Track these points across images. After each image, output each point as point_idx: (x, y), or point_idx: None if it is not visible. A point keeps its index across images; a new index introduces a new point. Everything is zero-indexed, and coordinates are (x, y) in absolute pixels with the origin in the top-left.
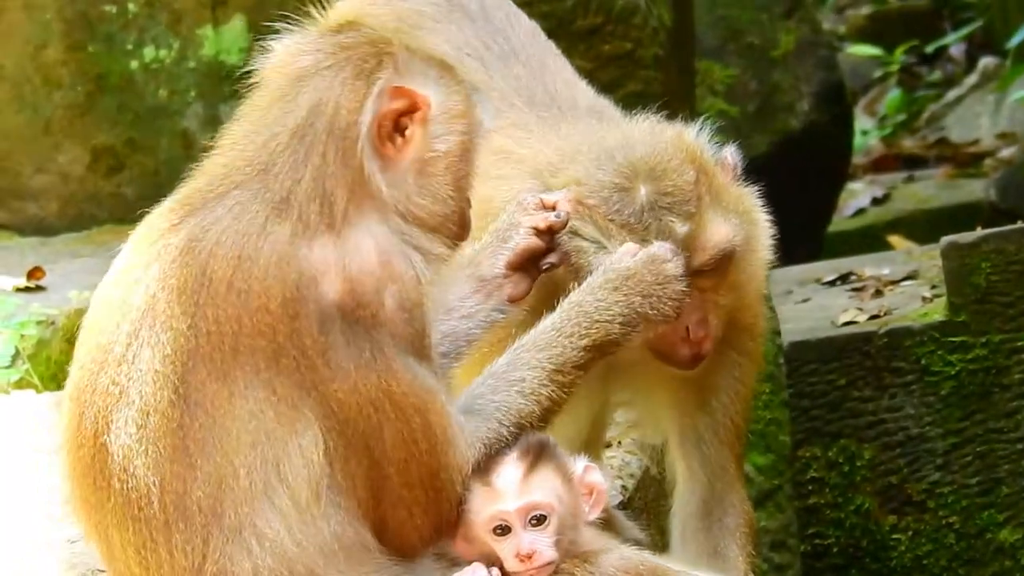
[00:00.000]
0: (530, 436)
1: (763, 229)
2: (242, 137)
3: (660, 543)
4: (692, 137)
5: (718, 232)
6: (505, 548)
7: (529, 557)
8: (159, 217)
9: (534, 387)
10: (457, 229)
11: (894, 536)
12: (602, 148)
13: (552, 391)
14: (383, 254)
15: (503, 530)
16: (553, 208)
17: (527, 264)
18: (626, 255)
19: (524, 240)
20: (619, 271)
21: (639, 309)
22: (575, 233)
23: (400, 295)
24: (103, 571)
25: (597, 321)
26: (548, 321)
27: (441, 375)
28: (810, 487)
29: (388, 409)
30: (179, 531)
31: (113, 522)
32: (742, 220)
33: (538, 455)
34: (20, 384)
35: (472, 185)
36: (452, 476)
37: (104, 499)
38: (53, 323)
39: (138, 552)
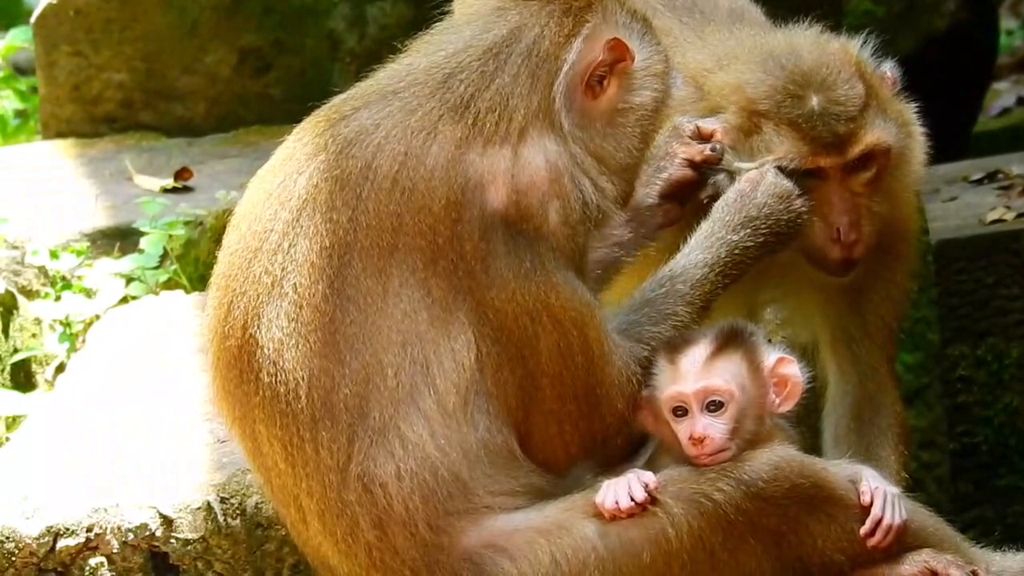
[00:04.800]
0: (727, 322)
1: (919, 143)
2: (432, 45)
3: (810, 442)
4: (857, 50)
5: (874, 131)
6: (681, 429)
7: (701, 441)
8: (330, 108)
9: (686, 321)
10: (627, 188)
11: None
12: (766, 54)
13: (696, 321)
14: (553, 171)
15: (681, 411)
16: (710, 137)
17: (679, 193)
18: (756, 187)
19: (678, 172)
20: (758, 207)
21: (770, 246)
22: (727, 167)
23: (564, 211)
24: (251, 471)
25: (740, 260)
26: (699, 255)
27: (596, 296)
28: (958, 385)
29: (545, 320)
30: (325, 428)
31: (260, 417)
32: (901, 130)
33: (727, 340)
34: (168, 284)
35: (652, 146)
36: (609, 392)
37: (251, 393)
38: (201, 224)
39: (285, 448)
